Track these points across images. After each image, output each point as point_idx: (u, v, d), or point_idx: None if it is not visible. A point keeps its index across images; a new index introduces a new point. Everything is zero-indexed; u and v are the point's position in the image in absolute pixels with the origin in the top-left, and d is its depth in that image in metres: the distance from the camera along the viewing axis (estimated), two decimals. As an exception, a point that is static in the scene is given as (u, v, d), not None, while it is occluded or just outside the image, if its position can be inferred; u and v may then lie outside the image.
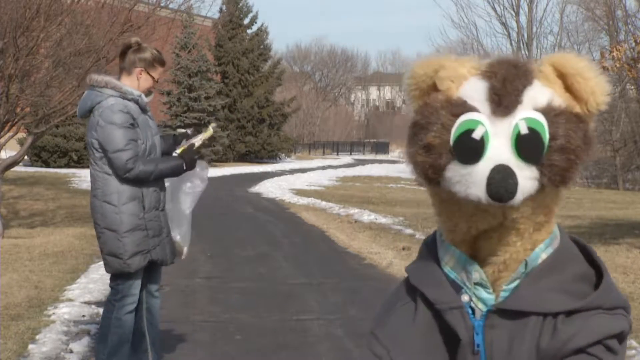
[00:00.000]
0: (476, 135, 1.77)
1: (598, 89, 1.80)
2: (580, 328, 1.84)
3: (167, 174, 5.04)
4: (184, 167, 5.06)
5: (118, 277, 5.02)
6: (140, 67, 5.02)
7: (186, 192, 5.21)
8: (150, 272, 5.13)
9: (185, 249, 5.32)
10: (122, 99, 4.93)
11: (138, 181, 4.91)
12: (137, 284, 5.04)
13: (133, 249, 4.92)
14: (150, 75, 5.04)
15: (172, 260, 5.16)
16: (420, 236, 13.22)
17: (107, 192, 4.93)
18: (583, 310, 1.86)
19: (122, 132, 4.87)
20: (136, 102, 4.98)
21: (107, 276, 5.31)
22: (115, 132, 4.87)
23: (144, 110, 5.05)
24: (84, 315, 7.14)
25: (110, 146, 4.88)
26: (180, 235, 5.24)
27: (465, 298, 1.94)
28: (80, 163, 31.87)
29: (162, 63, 5.11)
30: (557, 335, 1.86)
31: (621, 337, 1.88)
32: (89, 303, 7.64)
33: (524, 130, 1.75)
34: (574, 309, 1.86)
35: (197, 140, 5.19)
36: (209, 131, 5.28)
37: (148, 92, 5.13)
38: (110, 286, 5.10)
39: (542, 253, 1.90)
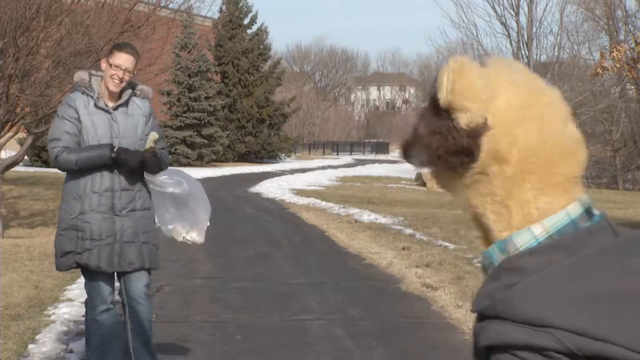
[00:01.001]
0: None
1: (441, 83, 1.93)
2: (480, 330, 1.89)
3: (92, 161, 4.81)
4: (112, 155, 4.79)
5: (85, 278, 5.00)
6: (104, 57, 5.01)
7: (156, 191, 5.05)
8: (127, 276, 5.01)
9: (185, 236, 5.19)
10: (81, 93, 4.93)
11: (72, 172, 4.87)
12: (102, 285, 4.95)
13: (64, 248, 4.89)
14: (108, 62, 4.89)
15: (117, 268, 4.93)
16: (421, 236, 13.22)
17: (63, 188, 5.02)
18: (484, 315, 1.90)
19: (58, 123, 4.91)
20: (96, 98, 4.93)
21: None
22: (55, 123, 4.96)
23: (106, 110, 4.92)
24: (84, 315, 7.13)
25: (48, 135, 4.99)
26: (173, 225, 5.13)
27: None
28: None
29: (118, 48, 4.96)
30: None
31: (525, 350, 1.85)
32: (89, 303, 7.64)
33: None
34: (476, 311, 1.91)
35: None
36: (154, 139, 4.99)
37: (129, 89, 5.00)
38: (85, 288, 5.11)
39: (495, 255, 1.93)
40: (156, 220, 5.13)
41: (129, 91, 5.01)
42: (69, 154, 4.82)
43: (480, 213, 1.94)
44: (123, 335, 5.10)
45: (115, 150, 4.82)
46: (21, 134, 20.07)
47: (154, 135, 4.99)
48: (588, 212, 1.93)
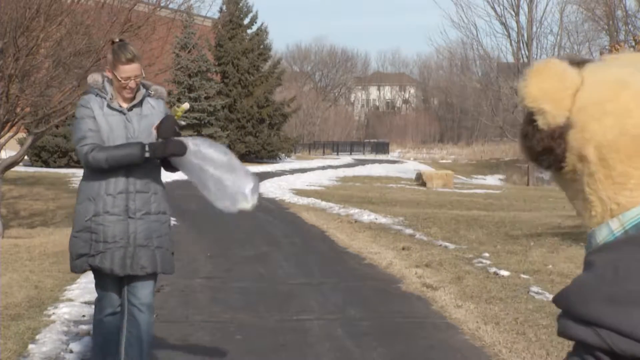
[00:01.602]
0: None
1: (519, 89, 2.09)
2: (557, 319, 2.00)
3: (122, 159, 4.73)
4: (145, 151, 4.69)
5: (96, 280, 4.99)
6: (108, 67, 4.92)
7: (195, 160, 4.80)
8: (131, 282, 4.91)
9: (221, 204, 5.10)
10: (95, 95, 4.89)
11: (102, 171, 4.80)
12: (112, 288, 4.93)
13: (78, 251, 4.83)
14: (114, 75, 4.82)
15: (129, 271, 4.81)
16: (421, 236, 13.22)
17: (78, 189, 5.03)
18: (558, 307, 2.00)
19: (81, 124, 4.84)
20: (109, 99, 4.90)
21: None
22: (76, 125, 4.89)
23: (120, 111, 4.88)
24: (84, 315, 7.14)
25: (73, 139, 4.95)
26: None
27: None
28: (80, 163, 31.83)
29: (119, 60, 4.81)
30: None
31: (582, 346, 1.88)
32: (89, 303, 7.62)
33: None
34: (554, 301, 2.02)
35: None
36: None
37: (142, 89, 4.93)
38: (95, 288, 5.12)
39: (588, 249, 2.01)
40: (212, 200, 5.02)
41: (143, 91, 4.96)
42: (98, 152, 4.75)
43: (577, 209, 2.03)
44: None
45: (147, 150, 4.70)
46: (21, 134, 20.07)
47: (185, 105, 4.99)
48: None
